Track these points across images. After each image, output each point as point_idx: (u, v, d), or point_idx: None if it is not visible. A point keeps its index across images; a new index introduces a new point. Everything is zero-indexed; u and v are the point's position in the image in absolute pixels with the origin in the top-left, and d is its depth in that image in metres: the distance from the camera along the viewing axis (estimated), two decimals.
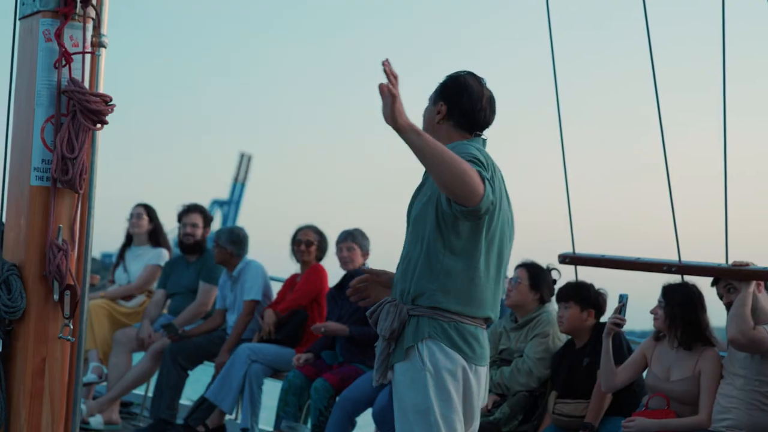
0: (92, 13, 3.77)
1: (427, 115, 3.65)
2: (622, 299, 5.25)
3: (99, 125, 3.71)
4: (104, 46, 3.83)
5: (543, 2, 5.74)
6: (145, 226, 8.17)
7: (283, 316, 7.22)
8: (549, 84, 5.85)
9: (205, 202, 8.56)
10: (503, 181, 3.59)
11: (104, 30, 3.84)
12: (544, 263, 5.95)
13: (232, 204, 71.52)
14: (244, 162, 72.81)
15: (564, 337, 5.77)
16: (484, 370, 3.57)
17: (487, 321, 3.57)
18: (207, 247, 7.98)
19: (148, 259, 8.08)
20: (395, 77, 3.20)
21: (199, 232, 7.92)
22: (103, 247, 29.38)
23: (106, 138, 3.81)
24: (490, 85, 3.69)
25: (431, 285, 3.44)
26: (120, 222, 8.35)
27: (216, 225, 16.24)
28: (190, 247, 7.91)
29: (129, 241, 8.26)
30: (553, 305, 5.86)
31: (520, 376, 5.68)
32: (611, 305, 5.44)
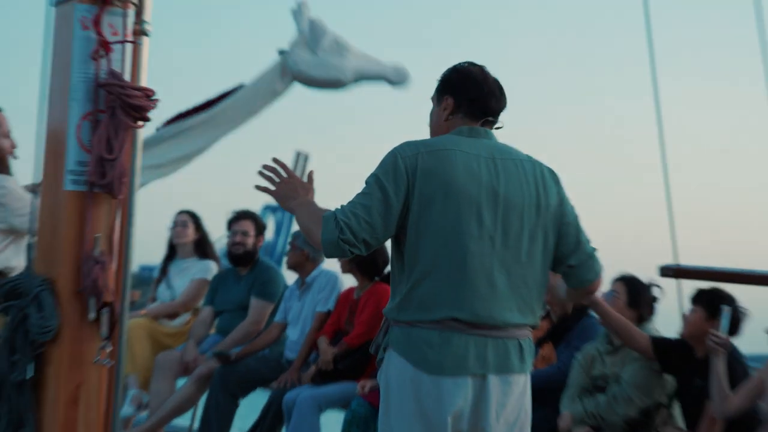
0: None
1: (434, 118, 3.65)
2: (721, 313, 4.91)
3: (141, 122, 3.72)
4: (147, 35, 3.77)
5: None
6: (191, 236, 7.99)
7: (351, 349, 6.70)
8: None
9: (256, 208, 8.36)
10: (484, 160, 3.42)
11: (147, 17, 3.82)
12: (643, 277, 5.68)
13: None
14: (300, 162, 73.11)
15: None
16: (453, 382, 3.30)
17: (460, 321, 3.32)
18: (260, 258, 7.71)
19: (194, 272, 7.87)
20: (276, 171, 3.69)
21: (250, 241, 7.68)
22: (141, 258, 29.02)
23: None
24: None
25: (391, 302, 3.46)
26: (161, 231, 8.20)
27: (268, 233, 15.98)
28: (240, 257, 7.66)
29: (172, 252, 8.07)
30: (653, 325, 5.56)
31: (617, 406, 5.36)
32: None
